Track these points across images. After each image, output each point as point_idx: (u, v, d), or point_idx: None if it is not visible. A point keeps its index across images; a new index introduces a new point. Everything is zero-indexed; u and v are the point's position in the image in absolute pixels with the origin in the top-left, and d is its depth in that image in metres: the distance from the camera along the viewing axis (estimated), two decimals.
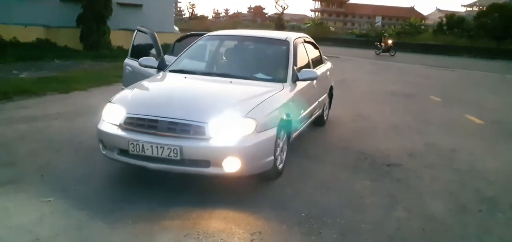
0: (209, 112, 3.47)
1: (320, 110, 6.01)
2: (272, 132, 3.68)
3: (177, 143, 3.34)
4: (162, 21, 16.57)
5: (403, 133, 6.26)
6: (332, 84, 6.70)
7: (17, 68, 11.07)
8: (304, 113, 4.81)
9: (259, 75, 4.49)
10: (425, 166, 4.72)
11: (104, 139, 3.70)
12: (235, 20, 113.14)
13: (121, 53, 12.53)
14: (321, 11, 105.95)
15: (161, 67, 4.81)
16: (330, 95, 6.73)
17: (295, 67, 4.54)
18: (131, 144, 3.46)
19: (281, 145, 3.99)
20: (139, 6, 17.70)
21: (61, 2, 15.94)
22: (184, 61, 4.88)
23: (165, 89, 4.20)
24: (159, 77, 4.55)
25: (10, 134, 5.14)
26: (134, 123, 3.56)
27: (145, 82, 4.36)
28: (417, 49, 33.48)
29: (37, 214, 3.11)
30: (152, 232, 2.94)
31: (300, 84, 4.59)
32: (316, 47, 6.14)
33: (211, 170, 3.39)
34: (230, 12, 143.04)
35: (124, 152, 3.55)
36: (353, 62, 20.92)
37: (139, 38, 5.80)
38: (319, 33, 55.51)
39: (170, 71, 4.69)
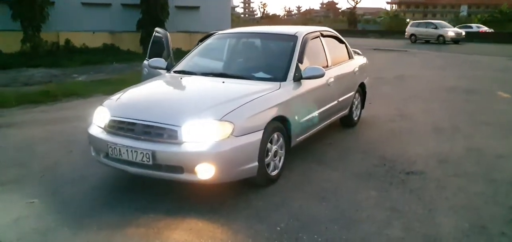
0: (183, 116, 3.27)
1: (346, 111, 5.53)
2: (257, 136, 3.38)
3: (149, 147, 3.20)
4: (219, 22, 16.72)
5: (445, 136, 5.53)
6: (365, 82, 6.14)
7: (78, 72, 11.87)
8: (313, 114, 4.40)
9: (259, 74, 4.20)
10: (454, 175, 4.07)
11: (92, 142, 3.69)
12: (307, 17, 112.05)
13: (178, 55, 12.86)
14: (399, 3, 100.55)
15: (169, 68, 4.73)
16: (363, 94, 6.17)
17: (300, 65, 4.17)
18: (110, 147, 3.40)
19: (274, 150, 3.68)
20: (196, 8, 18.12)
21: (123, 8, 16.84)
22: (188, 61, 4.76)
23: (151, 92, 4.08)
24: (155, 79, 4.47)
25: (38, 135, 5.42)
26: (115, 126, 3.50)
27: (138, 85, 4.31)
28: (506, 39, 29.90)
29: (14, 216, 3.16)
30: (111, 240, 2.83)
31: (307, 83, 4.21)
32: (341, 42, 5.66)
33: (185, 177, 3.20)
34: (302, 9, 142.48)
35: (107, 155, 3.50)
36: (421, 56, 19.40)
37: (159, 40, 5.79)
38: (394, 27, 52.70)
39: (174, 72, 4.60)
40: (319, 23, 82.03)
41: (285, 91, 3.91)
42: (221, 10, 18.27)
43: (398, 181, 3.90)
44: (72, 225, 3.02)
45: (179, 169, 3.18)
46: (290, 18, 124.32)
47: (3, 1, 14.06)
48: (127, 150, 3.29)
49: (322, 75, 4.18)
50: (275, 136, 3.70)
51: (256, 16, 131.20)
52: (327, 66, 4.89)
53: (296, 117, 4.04)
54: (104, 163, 3.60)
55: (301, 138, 4.31)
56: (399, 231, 2.97)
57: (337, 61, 5.26)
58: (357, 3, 74.28)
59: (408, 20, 72.30)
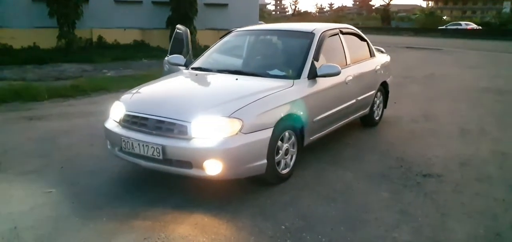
0: (193, 112, 3.31)
1: (366, 110, 5.42)
2: (266, 133, 3.38)
3: (160, 142, 3.26)
4: (247, 19, 16.74)
5: (471, 138, 5.32)
6: (388, 81, 5.99)
7: (108, 67, 12.21)
8: (329, 113, 4.34)
9: (274, 71, 4.19)
10: (475, 179, 3.92)
11: (107, 136, 3.79)
12: (340, 14, 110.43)
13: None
14: (436, 0, 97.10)
15: (187, 65, 4.80)
16: (385, 93, 6.03)
17: (315, 62, 4.13)
18: (123, 140, 3.49)
19: (285, 148, 3.66)
20: (225, 5, 18.20)
21: (153, 5, 17.15)
22: (206, 58, 4.81)
23: (166, 88, 4.14)
24: (172, 75, 4.53)
25: (63, 127, 5.63)
26: (129, 121, 3.59)
27: (155, 81, 4.38)
28: None
29: (31, 204, 3.30)
30: (117, 231, 2.90)
31: (322, 81, 4.16)
32: (362, 39, 5.55)
33: (194, 172, 3.24)
34: (335, 6, 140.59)
35: (121, 148, 3.59)
36: (456, 55, 18.73)
37: (179, 36, 5.87)
38: (429, 24, 51.02)
39: (191, 68, 4.66)
40: (351, 21, 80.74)
41: (298, 89, 3.88)
42: (250, 7, 18.26)
43: (413, 183, 3.79)
44: (83, 215, 3.12)
45: (188, 164, 3.23)
46: (322, 15, 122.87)
47: None
48: (139, 144, 3.37)
49: (338, 73, 4.11)
50: (287, 134, 3.68)
51: (287, 13, 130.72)
52: (346, 64, 4.82)
53: (310, 116, 4.00)
54: (119, 156, 3.70)
55: (316, 136, 4.27)
56: (407, 234, 2.89)
57: (357, 59, 5.17)
58: (391, 0, 72.59)
59: (445, 17, 69.94)
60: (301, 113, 3.84)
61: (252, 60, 4.68)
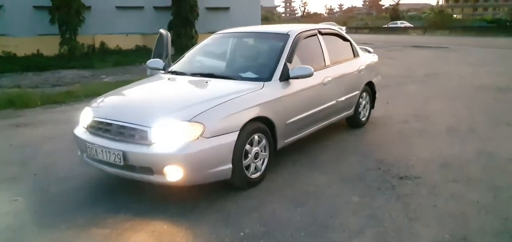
0: (153, 117, 3.26)
1: (349, 111, 5.32)
2: (231, 137, 3.31)
3: (121, 148, 3.22)
4: (249, 22, 16.70)
5: (458, 138, 5.17)
6: (374, 81, 5.86)
7: (107, 73, 12.30)
8: (305, 115, 4.25)
9: (247, 74, 4.11)
10: (453, 181, 3.78)
11: (76, 142, 3.77)
12: (349, 15, 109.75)
13: None
14: None
15: (166, 68, 4.77)
16: (372, 93, 5.91)
17: (288, 64, 4.05)
18: (88, 147, 3.46)
19: (254, 152, 3.59)
20: (226, 8, 18.24)
21: (155, 10, 17.27)
22: (182, 62, 4.77)
23: (134, 93, 4.10)
24: (145, 80, 4.50)
25: (48, 134, 5.64)
26: (95, 127, 3.56)
27: (127, 86, 4.35)
28: None
29: None
30: (74, 239, 2.86)
31: (296, 83, 4.08)
32: (345, 40, 5.45)
33: (155, 178, 3.18)
34: (344, 7, 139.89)
35: (88, 155, 3.56)
36: (462, 53, 18.41)
37: (161, 40, 5.84)
38: (439, 23, 50.33)
39: (168, 72, 4.63)
40: (361, 21, 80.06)
41: (268, 91, 3.80)
42: (251, 10, 18.27)
43: (388, 186, 3.68)
44: (42, 224, 3.09)
45: (149, 170, 3.17)
46: (332, 16, 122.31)
47: (43, 7, 14.83)
48: (102, 150, 3.33)
49: (310, 75, 4.02)
50: (256, 137, 3.61)
51: (297, 15, 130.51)
52: (324, 65, 4.73)
53: (283, 118, 3.92)
54: (87, 163, 3.67)
55: (291, 139, 4.18)
56: (369, 240, 2.79)
57: (338, 60, 5.07)
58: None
59: (455, 15, 68.96)
60: (273, 116, 3.76)
61: (227, 63, 4.62)
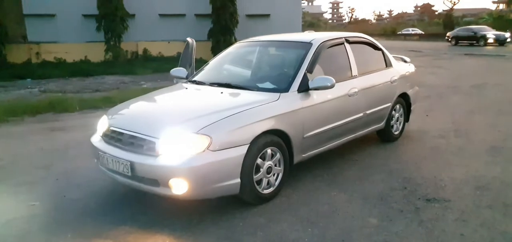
0: (161, 128, 3.20)
1: (380, 124, 5.02)
2: (240, 151, 3.18)
3: (129, 158, 3.18)
4: (289, 29, 16.57)
5: (501, 158, 4.72)
6: (409, 92, 5.51)
7: (147, 79, 12.60)
8: (326, 128, 4.04)
9: (265, 84, 3.97)
10: (488, 206, 3.42)
11: (92, 150, 3.79)
12: (399, 21, 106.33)
13: None
14: (507, 2, 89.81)
15: (188, 77, 4.74)
16: (407, 106, 5.55)
17: (308, 75, 3.86)
18: (100, 155, 3.46)
19: (266, 166, 3.43)
20: (267, 15, 18.19)
21: (196, 18, 17.56)
22: (204, 71, 4.71)
23: (149, 103, 4.06)
24: (164, 89, 4.48)
25: (77, 138, 5.77)
26: (109, 135, 3.56)
27: (146, 95, 4.34)
28: None
29: (10, 216, 3.36)
30: None
31: (317, 94, 3.89)
32: (376, 48, 5.16)
33: (161, 190, 3.11)
34: (394, 13, 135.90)
35: (101, 163, 3.57)
36: None
37: (187, 49, 5.85)
38: (497, 29, 47.26)
39: (189, 81, 4.59)
40: (411, 27, 77.28)
41: (284, 103, 3.63)
42: (292, 17, 18.11)
43: (411, 208, 3.39)
44: (51, 231, 3.11)
45: (155, 182, 3.11)
46: (380, 22, 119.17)
47: (91, 15, 15.54)
48: (112, 160, 3.32)
49: (331, 86, 3.81)
50: (269, 151, 3.45)
51: (344, 21, 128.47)
52: (351, 75, 4.49)
53: (300, 132, 3.74)
54: (101, 170, 3.68)
55: (310, 153, 3.98)
56: None
57: (368, 70, 4.80)
58: (454, 4, 68.67)
59: None
60: (289, 129, 3.59)
61: (245, 72, 4.50)
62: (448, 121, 6.56)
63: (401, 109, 5.46)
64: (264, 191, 3.48)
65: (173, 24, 17.31)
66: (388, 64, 5.23)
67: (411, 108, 5.66)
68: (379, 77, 4.93)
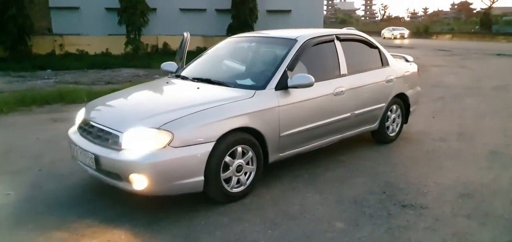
0: (126, 122, 3.19)
1: (372, 125, 4.85)
2: (204, 148, 3.12)
3: (94, 151, 3.19)
4: (310, 24, 16.35)
5: (498, 164, 4.46)
6: (408, 93, 5.28)
7: (161, 72, 12.70)
8: (307, 127, 3.92)
9: (245, 80, 3.89)
10: (466, 215, 3.22)
11: (69, 141, 3.83)
12: (434, 19, 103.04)
13: None
14: None
15: (178, 71, 4.72)
16: (406, 106, 5.33)
17: (289, 72, 3.75)
18: (72, 147, 3.50)
19: (236, 165, 3.36)
20: (287, 11, 18.00)
21: (216, 13, 17.60)
22: (191, 65, 4.68)
23: (127, 96, 4.04)
24: (145, 84, 4.48)
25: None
26: (82, 127, 3.59)
27: (127, 89, 4.35)
28: None
29: None
30: (33, 240, 2.88)
31: (298, 93, 3.78)
32: (372, 46, 4.97)
33: (123, 185, 3.10)
34: (429, 10, 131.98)
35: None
36: None
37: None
38: None
39: (175, 75, 4.57)
40: (447, 26, 74.61)
41: (259, 100, 3.54)
42: (313, 13, 17.83)
43: (383, 214, 3.24)
44: (15, 221, 3.16)
45: (117, 176, 3.10)
46: (414, 20, 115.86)
47: (113, 8, 15.85)
48: (80, 152, 3.34)
49: (310, 85, 3.69)
50: (239, 149, 3.38)
51: (376, 18, 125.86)
52: (340, 74, 4.34)
53: (276, 130, 3.64)
54: (76, 163, 3.70)
55: (288, 153, 3.88)
56: None
57: (360, 68, 4.64)
58: (493, 3, 65.90)
59: None
60: (261, 127, 3.50)
61: (229, 68, 4.43)
62: (454, 123, 6.27)
63: (399, 110, 5.25)
64: (234, 189, 3.41)
65: (193, 18, 17.41)
66: (384, 63, 5.03)
67: (411, 109, 5.42)
68: (372, 77, 4.75)
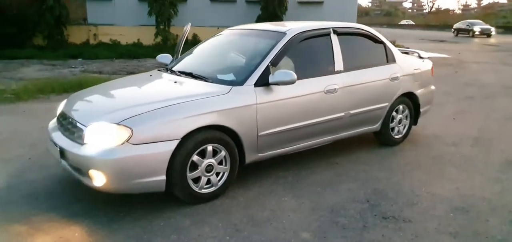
0: (91, 116, 3.11)
1: (373, 126, 4.54)
2: (166, 146, 2.98)
3: (61, 144, 3.14)
4: (343, 17, 15.75)
5: (508, 175, 4.01)
6: (418, 92, 4.87)
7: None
8: (291, 127, 3.68)
9: (226, 75, 3.70)
10: (452, 233, 2.89)
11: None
12: (488, 12, 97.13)
13: None
14: None
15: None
16: (415, 107, 4.94)
17: (272, 68, 3.52)
18: (48, 139, 3.48)
19: (205, 164, 3.20)
20: (320, 3, 17.44)
21: (247, 4, 17.37)
22: (183, 58, 4.57)
23: (105, 89, 3.94)
24: (130, 77, 4.39)
25: None
26: (58, 119, 3.57)
27: (110, 82, 4.29)
28: None
29: None
30: None
31: (282, 90, 3.56)
32: (377, 41, 4.61)
33: (85, 180, 3.03)
34: (484, 2, 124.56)
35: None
36: None
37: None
38: None
39: (166, 69, 4.48)
40: (503, 19, 70.06)
41: (234, 97, 3.35)
42: (347, 5, 17.13)
43: (358, 226, 2.96)
44: None
45: (80, 171, 3.04)
46: (466, 12, 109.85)
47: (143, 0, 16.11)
48: (51, 143, 3.32)
49: (291, 82, 3.45)
50: (210, 148, 3.21)
51: (424, 10, 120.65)
52: (333, 70, 4.06)
53: (253, 129, 3.44)
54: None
55: (269, 153, 3.67)
56: None
57: (360, 65, 4.33)
58: None
59: None
60: (235, 125, 3.32)
61: (214, 62, 4.25)
62: (474, 126, 5.76)
63: (406, 111, 4.86)
64: (203, 190, 3.25)
65: (223, 10, 17.29)
66: (389, 59, 4.66)
67: (421, 110, 5.01)
68: (374, 74, 4.42)
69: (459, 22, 39.99)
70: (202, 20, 16.93)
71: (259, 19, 16.05)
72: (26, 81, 8.54)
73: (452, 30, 38.89)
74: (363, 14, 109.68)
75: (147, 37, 16.19)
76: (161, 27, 15.60)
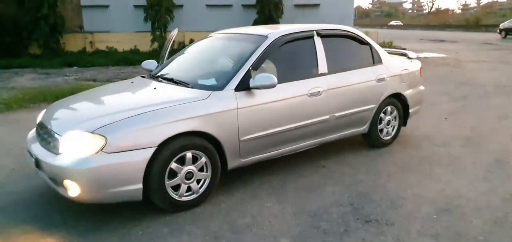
0: (66, 125, 3.07)
1: (362, 127, 4.49)
2: (142, 154, 2.93)
3: (36, 153, 3.10)
4: (340, 20, 15.73)
5: (499, 175, 3.96)
6: (406, 93, 4.82)
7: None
8: (274, 131, 3.63)
9: (207, 81, 3.65)
10: (434, 235, 2.83)
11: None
12: (488, 11, 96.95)
13: None
14: None
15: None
16: (404, 108, 4.88)
17: (253, 72, 3.48)
18: (28, 148, 3.44)
19: (185, 171, 3.15)
20: (316, 6, 17.42)
21: (243, 9, 17.37)
22: (166, 64, 4.52)
23: (83, 97, 3.90)
24: (112, 84, 4.35)
25: None
26: (37, 129, 3.53)
27: (91, 90, 4.26)
28: None
29: None
30: None
31: (263, 94, 3.51)
32: (362, 43, 4.57)
33: (60, 190, 2.98)
34: (483, 1, 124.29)
35: None
36: None
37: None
38: None
39: (149, 75, 4.43)
40: (502, 17, 70.05)
41: (214, 102, 3.30)
42: (343, 8, 17.11)
43: (339, 230, 2.91)
44: None
45: (55, 181, 2.99)
46: (465, 12, 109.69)
47: (141, 5, 16.09)
48: (28, 153, 3.28)
49: (272, 85, 3.40)
50: (189, 154, 3.16)
51: (424, 11, 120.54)
52: (317, 73, 4.01)
53: (234, 135, 3.39)
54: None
55: (253, 158, 3.62)
56: None
57: (345, 67, 4.28)
58: None
59: None
60: (215, 131, 3.27)
61: (196, 67, 4.20)
62: (467, 126, 5.70)
63: (395, 112, 4.81)
64: (183, 198, 3.20)
65: (220, 15, 17.28)
66: (376, 60, 4.61)
67: (410, 111, 4.96)
68: (359, 75, 4.37)
69: (508, 21, 31.95)
70: (198, 26, 16.94)
71: (255, 23, 16.04)
72: (17, 91, 8.50)
73: (498, 30, 31.81)
74: (363, 16, 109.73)
75: (144, 43, 16.18)
76: (158, 33, 15.60)
